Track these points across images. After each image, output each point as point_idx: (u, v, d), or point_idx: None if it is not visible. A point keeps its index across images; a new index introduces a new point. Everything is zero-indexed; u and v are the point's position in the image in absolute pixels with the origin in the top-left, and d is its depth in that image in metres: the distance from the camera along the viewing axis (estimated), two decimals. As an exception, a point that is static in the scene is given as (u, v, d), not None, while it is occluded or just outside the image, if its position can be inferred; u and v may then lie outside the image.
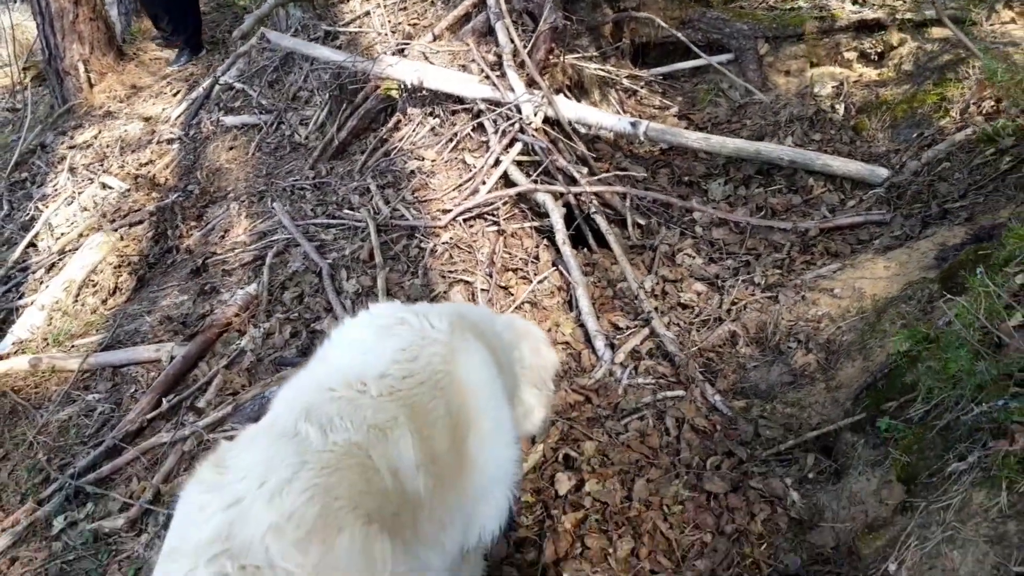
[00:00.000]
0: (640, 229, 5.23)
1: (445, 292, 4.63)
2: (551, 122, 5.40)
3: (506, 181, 5.25)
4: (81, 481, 3.72)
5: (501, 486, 2.56)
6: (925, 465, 2.79)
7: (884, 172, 4.87)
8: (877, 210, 4.72)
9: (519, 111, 5.26)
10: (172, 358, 4.36)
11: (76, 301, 5.78)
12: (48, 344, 4.95)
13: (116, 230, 6.59)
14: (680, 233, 5.10)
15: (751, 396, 3.91)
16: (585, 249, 5.22)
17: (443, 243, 4.94)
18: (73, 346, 4.79)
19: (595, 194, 5.14)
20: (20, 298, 6.47)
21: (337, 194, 5.52)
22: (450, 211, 5.06)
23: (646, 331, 4.38)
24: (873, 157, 5.13)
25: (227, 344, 4.43)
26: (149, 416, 4.03)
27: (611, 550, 3.29)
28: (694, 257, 4.92)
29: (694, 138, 5.24)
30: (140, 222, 6.64)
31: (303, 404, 2.14)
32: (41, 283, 6.44)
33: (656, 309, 4.50)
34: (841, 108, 5.59)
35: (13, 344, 5.65)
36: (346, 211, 5.26)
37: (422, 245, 4.93)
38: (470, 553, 2.66)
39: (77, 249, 6.47)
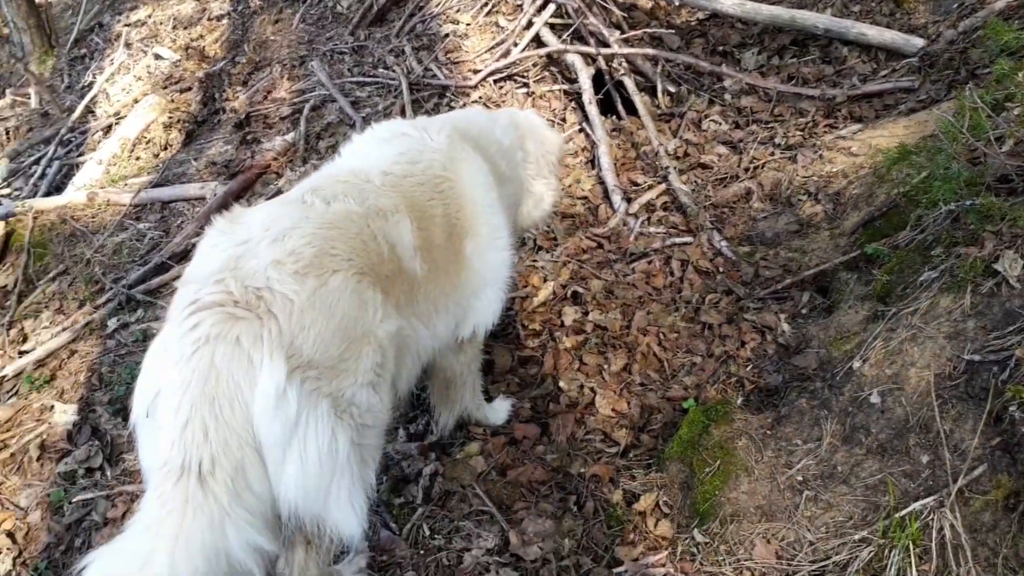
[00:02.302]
0: (669, 96, 5.34)
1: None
2: (587, -14, 5.48)
3: (538, 43, 5.39)
4: (132, 291, 4.15)
5: (494, 287, 2.85)
6: (901, 280, 2.98)
7: (919, 41, 4.85)
8: (908, 78, 4.74)
9: (554, -28, 5.36)
10: (215, 194, 4.73)
11: (131, 156, 6.19)
12: (109, 183, 5.37)
13: (168, 95, 6.96)
14: (709, 100, 5.20)
15: (756, 243, 4.09)
16: (613, 116, 5.36)
17: (472, 102, 5.15)
18: (126, 185, 5.20)
19: (626, 58, 5.25)
20: (80, 156, 6.95)
21: (373, 56, 5.75)
22: (480, 71, 5.24)
23: (663, 186, 4.56)
24: (911, 28, 5.10)
25: (265, 184, 4.77)
26: (194, 240, 4.41)
27: (606, 366, 3.58)
28: (720, 123, 5.04)
29: (729, 3, 5.28)
30: (189, 88, 6.99)
31: (311, 184, 2.41)
32: (98, 143, 6.90)
33: (675, 168, 4.67)
34: (886, -21, 5.51)
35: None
36: (381, 71, 5.49)
37: (452, 103, 5.15)
38: (466, 343, 2.98)
39: (132, 110, 6.88)
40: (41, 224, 4.77)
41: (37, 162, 7.20)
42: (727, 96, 5.17)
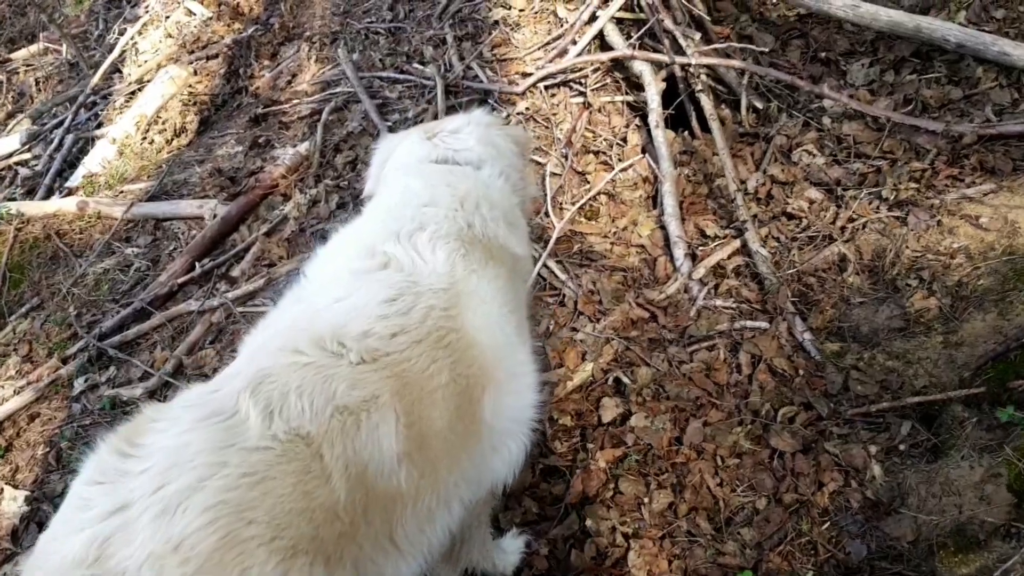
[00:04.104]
0: (756, 113, 4.51)
1: (511, 172, 4.17)
2: (664, -28, 4.60)
3: (601, 43, 4.59)
4: (106, 343, 3.68)
5: (516, 437, 2.22)
6: (1048, 477, 2.24)
7: (1082, 68, 3.89)
8: (1061, 118, 3.81)
9: (625, -45, 4.50)
10: (215, 216, 4.18)
11: (144, 139, 5.69)
12: (102, 187, 4.87)
13: (192, 63, 6.39)
14: (803, 123, 4.35)
15: (848, 339, 3.35)
16: (685, 132, 4.57)
17: (518, 113, 4.42)
18: (122, 191, 4.71)
19: (706, 66, 4.41)
20: (98, 127, 6.50)
21: (411, 43, 5.02)
22: (531, 75, 4.49)
23: (737, 243, 3.82)
24: (1071, 47, 4.11)
25: (270, 208, 4.19)
26: (181, 280, 3.91)
27: (646, 500, 2.96)
28: (814, 155, 4.20)
29: (839, 4, 4.35)
30: (216, 55, 6.40)
31: (258, 368, 1.75)
32: (118, 111, 6.41)
33: (755, 218, 3.90)
34: (1041, -23, 4.48)
35: (84, 177, 5.69)
36: (416, 65, 4.77)
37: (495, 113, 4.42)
38: (476, 504, 2.38)
39: (152, 81, 6.34)
40: (23, 239, 4.32)
41: (59, 126, 6.82)
42: (825, 120, 4.32)
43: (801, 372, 3.25)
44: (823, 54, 4.67)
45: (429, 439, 1.89)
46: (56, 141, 6.52)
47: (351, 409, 1.73)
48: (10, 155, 6.80)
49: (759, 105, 4.49)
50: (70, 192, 5.46)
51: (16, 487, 3.24)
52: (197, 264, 3.95)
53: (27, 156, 6.82)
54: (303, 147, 4.40)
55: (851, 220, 3.76)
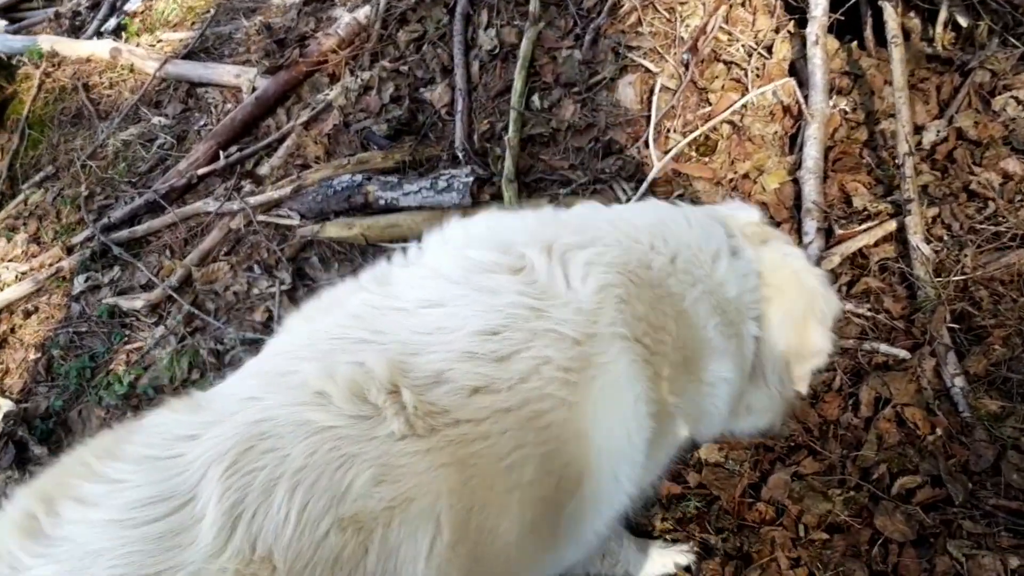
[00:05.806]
0: (955, 32, 3.38)
1: (610, 79, 3.26)
2: None
3: (760, -91, 3.45)
4: (112, 237, 3.22)
5: (598, 544, 1.68)
6: None
7: None
8: None
9: None
10: (253, 88, 3.53)
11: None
12: (146, 29, 4.26)
13: None
14: (1020, 57, 3.21)
15: (1014, 397, 2.49)
16: (854, 43, 3.49)
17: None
18: (160, 40, 4.06)
19: (898, -39, 3.26)
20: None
21: None
22: (659, -52, 3.45)
23: (891, 226, 2.90)
24: None
25: (314, 90, 3.49)
26: (201, 172, 3.34)
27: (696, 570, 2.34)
28: (1024, 108, 3.11)
29: None
30: None
31: (256, 419, 1.18)
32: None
33: (923, 190, 2.95)
34: None
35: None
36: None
37: (606, -8, 3.47)
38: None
39: None
40: (49, 88, 3.80)
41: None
42: (1053, 55, 3.16)
43: (939, 431, 2.46)
44: (1072, -46, 3.38)
45: (485, 562, 1.29)
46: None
47: (362, 521, 1.12)
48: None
49: (963, 22, 3.34)
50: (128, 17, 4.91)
51: (3, 393, 2.94)
52: (222, 153, 3.35)
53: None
54: (362, 13, 3.58)
55: (1058, 217, 2.76)
